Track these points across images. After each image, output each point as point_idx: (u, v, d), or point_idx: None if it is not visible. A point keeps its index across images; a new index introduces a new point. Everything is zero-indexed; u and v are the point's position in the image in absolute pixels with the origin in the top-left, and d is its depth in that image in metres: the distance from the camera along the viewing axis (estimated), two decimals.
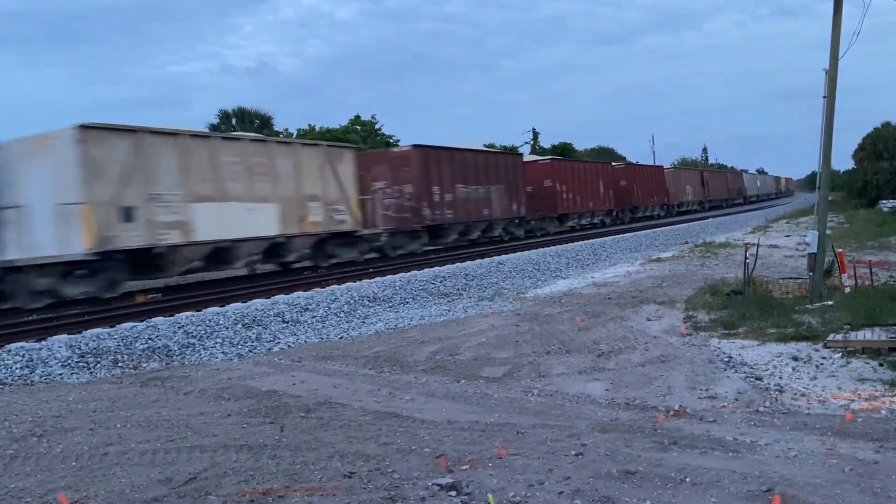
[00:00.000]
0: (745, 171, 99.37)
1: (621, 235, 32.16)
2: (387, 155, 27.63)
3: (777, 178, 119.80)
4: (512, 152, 38.79)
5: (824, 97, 11.42)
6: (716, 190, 69.87)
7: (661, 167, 57.57)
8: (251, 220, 18.56)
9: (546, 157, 38.67)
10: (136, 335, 11.38)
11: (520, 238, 32.93)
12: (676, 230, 35.30)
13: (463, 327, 11.41)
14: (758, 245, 16.90)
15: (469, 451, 5.58)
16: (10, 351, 10.26)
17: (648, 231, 34.63)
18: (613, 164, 48.41)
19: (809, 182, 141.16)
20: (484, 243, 30.41)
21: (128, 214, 15.65)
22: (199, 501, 4.87)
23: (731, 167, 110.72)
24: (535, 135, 69.79)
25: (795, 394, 6.75)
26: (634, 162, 68.87)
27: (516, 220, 33.08)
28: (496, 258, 22.51)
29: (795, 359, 7.92)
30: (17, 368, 9.61)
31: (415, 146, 26.79)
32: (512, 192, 32.26)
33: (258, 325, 12.52)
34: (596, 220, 42.12)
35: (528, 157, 39.14)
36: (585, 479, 4.90)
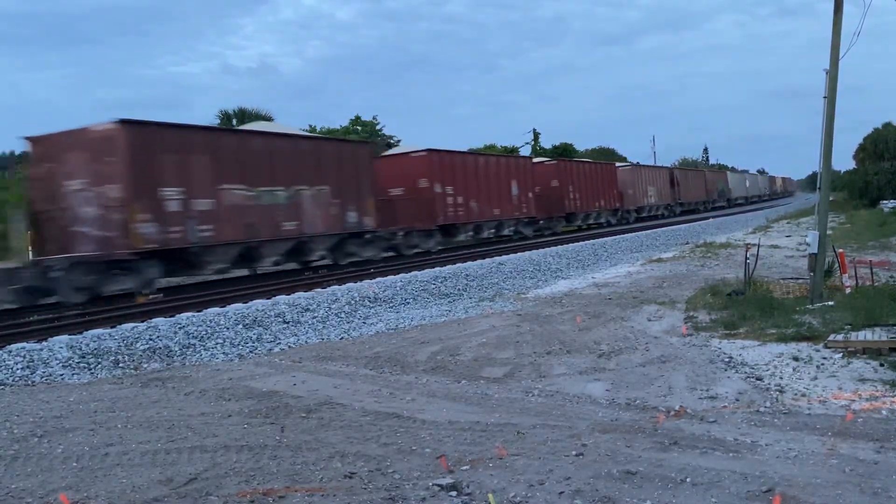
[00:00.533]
0: (731, 170, 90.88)
1: (622, 236, 32.17)
2: (84, 137, 16.34)
3: (772, 178, 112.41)
4: (350, 140, 26.51)
5: (825, 97, 11.42)
6: (690, 191, 60.46)
7: (613, 164, 47.89)
8: None
9: (420, 150, 28.12)
10: (136, 336, 11.39)
11: (375, 261, 23.27)
12: (677, 231, 35.28)
13: (464, 328, 11.41)
14: (758, 245, 16.89)
15: (470, 452, 5.58)
16: (10, 351, 10.27)
17: (650, 231, 34.63)
18: (538, 160, 39.38)
19: (810, 182, 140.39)
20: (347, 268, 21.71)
21: None
22: (199, 502, 4.87)
23: (732, 167, 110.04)
24: (536, 135, 69.63)
25: (796, 394, 6.76)
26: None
27: (365, 236, 23.13)
28: (497, 258, 22.58)
29: (796, 359, 7.92)
30: (18, 369, 9.62)
31: (123, 121, 16.07)
32: (349, 197, 22.18)
33: (259, 326, 12.53)
34: (507, 232, 32.79)
35: (397, 150, 29.79)
36: (586, 479, 4.91)
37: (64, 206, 16.29)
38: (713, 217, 47.55)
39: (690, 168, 72.43)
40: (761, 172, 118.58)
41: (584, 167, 41.41)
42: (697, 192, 62.88)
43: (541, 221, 35.49)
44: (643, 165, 55.91)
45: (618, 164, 49.86)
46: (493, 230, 31.55)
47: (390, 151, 28.89)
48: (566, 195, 37.96)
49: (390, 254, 24.94)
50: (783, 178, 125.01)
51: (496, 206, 30.97)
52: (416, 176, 26.95)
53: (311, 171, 21.05)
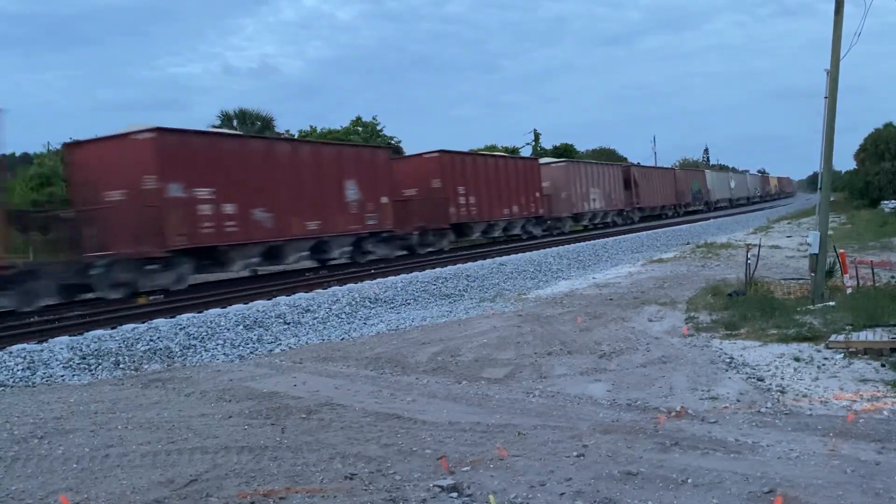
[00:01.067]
0: (709, 168, 78.92)
1: (622, 237, 32.14)
2: None
3: (764, 178, 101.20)
4: None
5: (826, 97, 11.41)
6: (653, 194, 51.01)
7: (535, 160, 37.10)
8: None
9: (146, 128, 17.34)
10: (137, 336, 11.38)
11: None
12: (678, 231, 35.23)
13: (464, 328, 11.40)
14: (759, 246, 16.88)
15: (470, 453, 5.57)
16: (11, 352, 10.27)
17: (650, 232, 34.59)
18: (412, 153, 31.11)
19: (811, 182, 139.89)
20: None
21: None
22: (200, 503, 4.87)
23: (733, 167, 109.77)
24: (537, 136, 69.55)
25: (797, 394, 6.74)
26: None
27: None
28: (497, 259, 22.57)
29: (797, 359, 7.92)
30: (18, 370, 9.62)
31: None
32: None
33: (259, 327, 12.52)
34: (339, 254, 22.84)
35: (124, 130, 18.01)
36: (587, 480, 4.90)
37: None
38: (675, 225, 40.30)
39: (655, 168, 59.81)
40: (762, 172, 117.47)
41: (486, 162, 31.54)
42: (663, 194, 53.15)
43: (413, 235, 25.93)
44: (583, 162, 45.14)
45: (545, 159, 40.18)
46: (306, 252, 21.39)
47: (117, 132, 18.27)
48: (454, 199, 28.24)
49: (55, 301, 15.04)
50: (779, 178, 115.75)
51: (313, 218, 21.03)
52: (139, 172, 16.90)
53: None
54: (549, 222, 36.52)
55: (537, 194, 34.72)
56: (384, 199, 24.17)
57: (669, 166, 66.70)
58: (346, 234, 22.65)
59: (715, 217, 49.07)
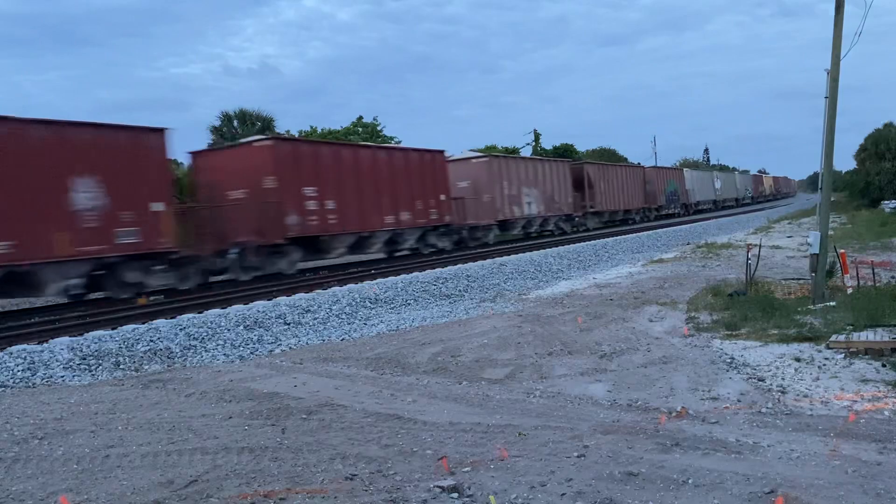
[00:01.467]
0: (690, 168, 68.98)
1: (622, 237, 32.12)
2: None
3: (757, 178, 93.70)
4: None
5: (826, 97, 11.41)
6: (615, 196, 42.76)
7: (440, 153, 27.72)
8: None
9: None
10: (137, 337, 11.38)
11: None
12: (677, 231, 35.19)
13: (465, 329, 11.40)
14: (760, 246, 16.88)
15: (471, 453, 5.57)
16: (11, 353, 10.27)
17: (650, 232, 34.56)
18: (247, 139, 23.54)
19: (811, 182, 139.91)
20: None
21: None
22: None
23: (733, 167, 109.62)
24: (537, 136, 69.44)
25: (798, 395, 6.74)
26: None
27: None
28: (498, 259, 22.57)
29: (798, 360, 7.91)
30: (18, 371, 9.62)
31: None
32: None
33: (260, 327, 12.52)
34: (61, 292, 15.04)
35: None
36: (587, 480, 4.89)
37: None
38: (648, 230, 35.38)
39: (618, 165, 50.38)
40: (762, 172, 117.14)
41: (354, 154, 23.37)
42: (629, 196, 45.26)
43: (230, 255, 18.85)
44: (514, 157, 36.37)
45: (462, 154, 33.21)
46: None
47: None
48: (296, 204, 20.62)
49: None
50: (775, 178, 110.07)
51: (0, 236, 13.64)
52: None
53: None
54: (463, 232, 28.87)
55: (443, 197, 26.91)
56: (156, 206, 16.46)
57: (635, 164, 56.95)
58: (74, 258, 14.80)
59: (680, 224, 41.12)
